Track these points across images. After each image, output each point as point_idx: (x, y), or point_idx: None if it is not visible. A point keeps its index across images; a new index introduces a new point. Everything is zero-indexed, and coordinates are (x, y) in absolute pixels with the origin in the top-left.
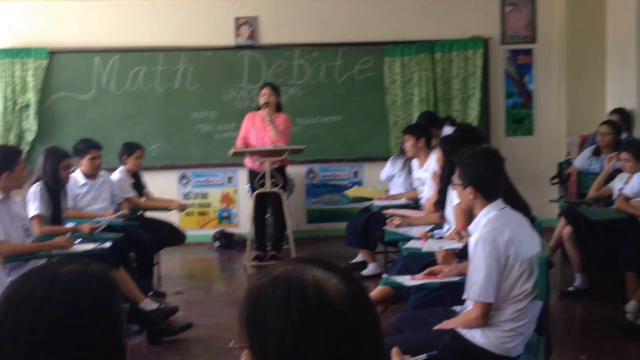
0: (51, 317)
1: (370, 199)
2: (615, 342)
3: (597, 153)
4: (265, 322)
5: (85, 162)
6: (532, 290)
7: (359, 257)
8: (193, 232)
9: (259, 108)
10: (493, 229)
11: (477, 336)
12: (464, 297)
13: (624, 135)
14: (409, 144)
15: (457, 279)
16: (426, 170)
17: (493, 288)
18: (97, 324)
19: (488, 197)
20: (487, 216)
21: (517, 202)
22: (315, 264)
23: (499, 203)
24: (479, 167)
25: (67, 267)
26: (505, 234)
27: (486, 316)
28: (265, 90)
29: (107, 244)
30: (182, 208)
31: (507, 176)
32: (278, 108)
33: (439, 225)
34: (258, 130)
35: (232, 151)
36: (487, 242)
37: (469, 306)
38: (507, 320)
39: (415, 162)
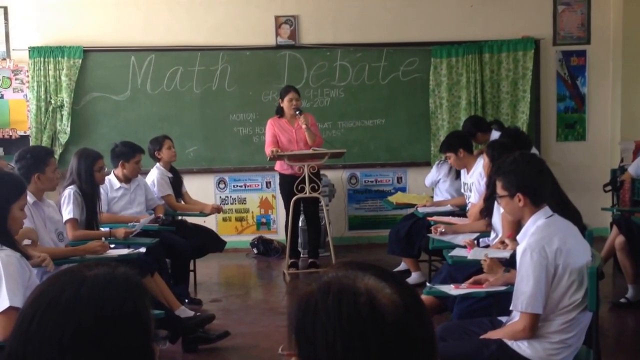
0: (77, 322)
1: (414, 206)
2: None
3: None
4: (314, 330)
5: (130, 165)
6: (582, 301)
7: (402, 266)
8: (230, 238)
9: (279, 113)
10: (541, 238)
11: (523, 347)
12: (511, 307)
13: None
14: (451, 160)
15: (503, 288)
16: (472, 176)
17: (541, 299)
18: (125, 329)
19: (536, 201)
20: (535, 224)
21: (567, 210)
22: (368, 271)
23: (546, 210)
24: (523, 172)
25: (94, 270)
26: (554, 243)
27: (534, 328)
28: (293, 95)
29: (142, 249)
30: (217, 210)
31: (555, 181)
32: (301, 110)
33: (485, 233)
34: (288, 134)
35: (269, 155)
36: (535, 251)
37: (516, 317)
38: (555, 331)
39: (442, 163)
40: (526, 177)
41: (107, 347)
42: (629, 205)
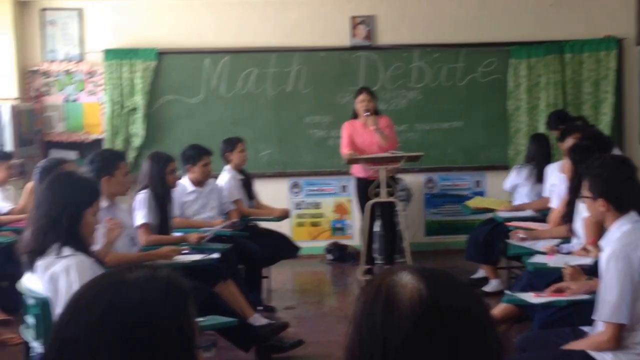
0: (113, 327)
1: (493, 210)
2: None
3: None
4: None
5: (197, 169)
6: None
7: (480, 273)
8: (305, 244)
9: (355, 116)
10: (627, 244)
11: (608, 359)
12: (594, 317)
13: None
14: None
15: (586, 297)
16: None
17: (626, 308)
18: (164, 335)
19: (620, 208)
20: (620, 230)
21: None
22: (407, 269)
23: (632, 215)
24: (609, 177)
25: (135, 273)
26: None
27: (618, 338)
28: (364, 96)
29: (215, 255)
30: (284, 215)
31: None
32: (377, 111)
33: (566, 239)
34: (363, 137)
35: (346, 158)
36: (620, 259)
37: (599, 327)
38: None
39: (556, 166)
40: (611, 183)
41: (145, 354)
42: None
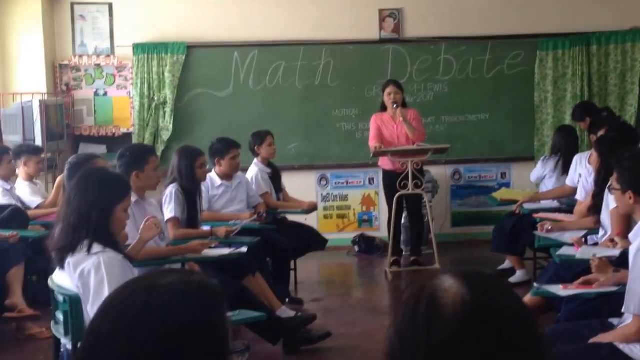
0: (146, 334)
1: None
2: None
3: None
4: (393, 331)
5: (225, 162)
6: None
7: (507, 264)
8: (332, 236)
9: (383, 108)
10: None
11: (636, 351)
12: (623, 310)
13: None
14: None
15: (614, 289)
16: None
17: None
18: (197, 341)
19: None
20: None
21: None
22: (449, 273)
23: None
24: (637, 170)
25: (168, 278)
26: None
27: None
28: (391, 89)
29: (244, 249)
30: (313, 207)
31: None
32: (405, 104)
33: (593, 231)
34: (390, 129)
35: (373, 153)
36: None
37: (628, 319)
38: None
39: (584, 156)
40: (638, 175)
41: (178, 359)
42: None
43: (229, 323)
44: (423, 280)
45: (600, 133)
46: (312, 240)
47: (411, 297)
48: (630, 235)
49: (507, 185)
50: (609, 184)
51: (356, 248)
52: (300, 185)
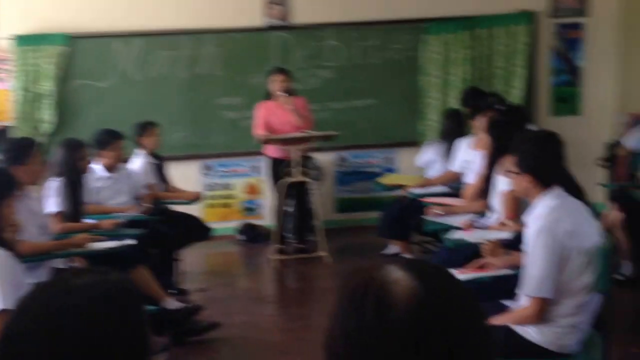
0: (65, 336)
1: (406, 187)
2: None
3: None
4: (332, 328)
5: (109, 154)
6: (592, 283)
7: (391, 248)
8: (216, 225)
9: (269, 96)
10: (553, 220)
11: (532, 333)
12: (520, 292)
13: None
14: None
15: (509, 272)
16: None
17: (552, 282)
18: (120, 342)
19: (546, 184)
20: (545, 205)
21: (571, 187)
22: (397, 264)
23: (557, 190)
24: (538, 153)
25: (83, 278)
26: (566, 225)
27: (543, 312)
28: (278, 77)
29: (130, 241)
30: (197, 197)
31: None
32: (293, 92)
33: (481, 214)
34: (279, 117)
35: (260, 139)
36: (547, 234)
37: (523, 301)
38: (564, 315)
39: (466, 141)
40: (537, 158)
41: None
42: (625, 179)
43: (148, 322)
44: (367, 271)
45: (480, 118)
46: (196, 230)
47: (357, 290)
48: (526, 218)
49: (392, 170)
50: (504, 168)
51: (241, 237)
52: (184, 175)
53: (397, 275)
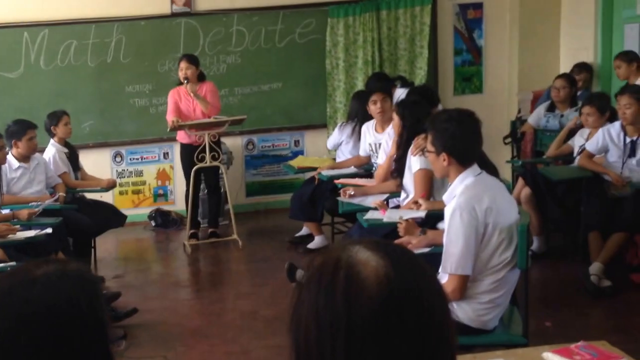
0: (29, 325)
1: (316, 169)
2: (577, 306)
3: (551, 109)
4: (298, 312)
5: (22, 144)
6: (511, 260)
7: (304, 230)
8: (128, 212)
9: (180, 83)
10: (471, 197)
11: (453, 310)
12: (440, 270)
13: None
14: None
15: (427, 250)
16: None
17: (471, 260)
18: (81, 329)
19: (463, 162)
20: (463, 183)
21: (485, 165)
22: (361, 244)
23: (475, 168)
24: (455, 132)
25: (44, 268)
26: (484, 202)
27: (463, 289)
28: (182, 64)
29: (49, 230)
30: (112, 184)
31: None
32: (201, 78)
33: (395, 194)
34: (186, 103)
35: (170, 127)
36: (465, 211)
37: (443, 279)
38: (484, 292)
39: (370, 125)
40: (455, 137)
41: (64, 350)
42: (530, 156)
43: (106, 312)
44: (334, 252)
45: (369, 105)
46: (111, 217)
47: (325, 271)
48: (444, 197)
49: (301, 153)
50: (415, 147)
51: (153, 223)
52: (96, 163)
53: (365, 255)
